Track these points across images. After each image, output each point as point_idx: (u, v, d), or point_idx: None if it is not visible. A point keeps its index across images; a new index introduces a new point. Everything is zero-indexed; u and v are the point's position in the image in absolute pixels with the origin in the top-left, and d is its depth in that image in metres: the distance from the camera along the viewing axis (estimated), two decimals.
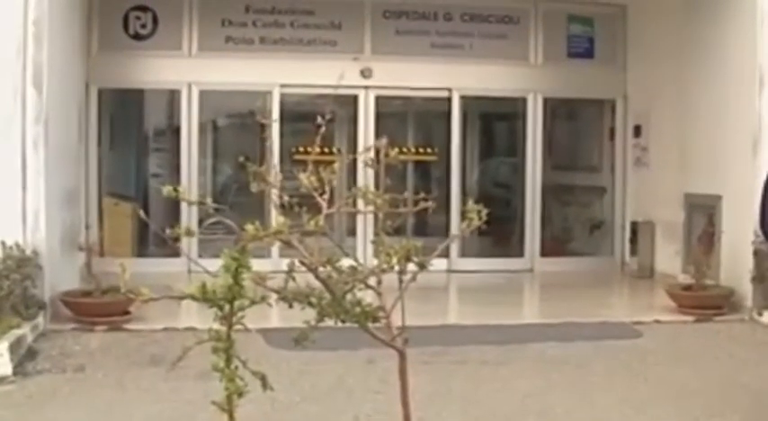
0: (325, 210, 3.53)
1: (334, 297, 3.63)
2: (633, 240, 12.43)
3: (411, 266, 3.69)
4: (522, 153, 13.06)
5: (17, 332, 7.21)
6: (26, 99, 7.86)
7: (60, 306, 8.32)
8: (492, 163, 14.32)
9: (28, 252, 7.80)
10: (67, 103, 9.29)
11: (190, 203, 4.37)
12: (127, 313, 8.24)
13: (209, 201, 4.23)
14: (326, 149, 12.91)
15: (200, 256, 11.91)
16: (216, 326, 3.70)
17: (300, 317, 3.66)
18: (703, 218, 10.66)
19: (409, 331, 3.76)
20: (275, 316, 8.59)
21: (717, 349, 7.93)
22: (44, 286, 7.97)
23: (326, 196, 3.77)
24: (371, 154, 4.03)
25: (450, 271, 12.35)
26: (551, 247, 13.04)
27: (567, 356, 7.55)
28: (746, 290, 9.20)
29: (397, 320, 3.75)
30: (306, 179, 3.59)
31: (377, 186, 11.46)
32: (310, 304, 3.70)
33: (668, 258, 11.75)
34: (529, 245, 12.80)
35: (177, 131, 12.23)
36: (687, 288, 9.49)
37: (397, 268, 3.64)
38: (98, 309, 8.09)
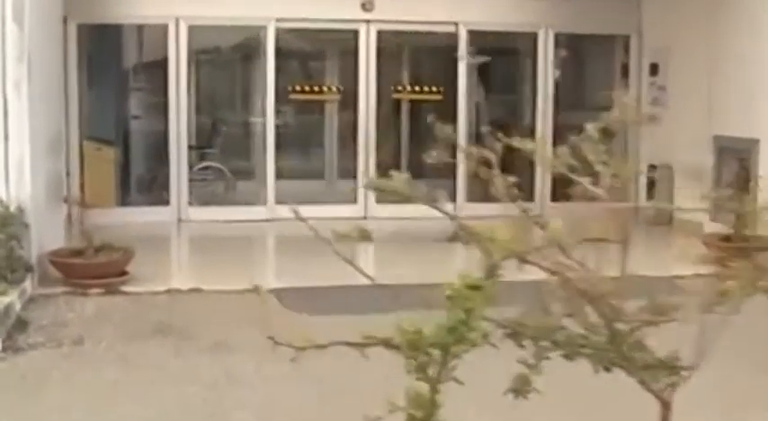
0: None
1: (615, 337, 2.49)
2: (650, 185, 11.74)
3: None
4: (532, 92, 12.29)
5: (4, 299, 6.40)
6: (5, 36, 6.94)
7: (48, 267, 7.50)
8: (500, 102, 13.51)
9: (12, 208, 6.96)
10: (49, 40, 8.37)
11: None
12: (124, 274, 7.44)
13: None
14: (324, 87, 12.12)
15: (189, 204, 11.17)
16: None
17: None
18: (735, 162, 9.97)
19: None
20: (289, 274, 8.00)
21: None
22: (31, 246, 7.14)
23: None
24: None
25: (456, 216, 11.64)
26: (561, 191, 12.32)
27: None
28: None
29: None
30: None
31: (378, 125, 10.65)
32: (555, 344, 2.52)
33: (689, 204, 11.07)
34: (539, 188, 12.09)
35: (163, 70, 11.29)
36: (726, 238, 8.84)
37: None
38: (92, 270, 7.29)
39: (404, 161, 12.68)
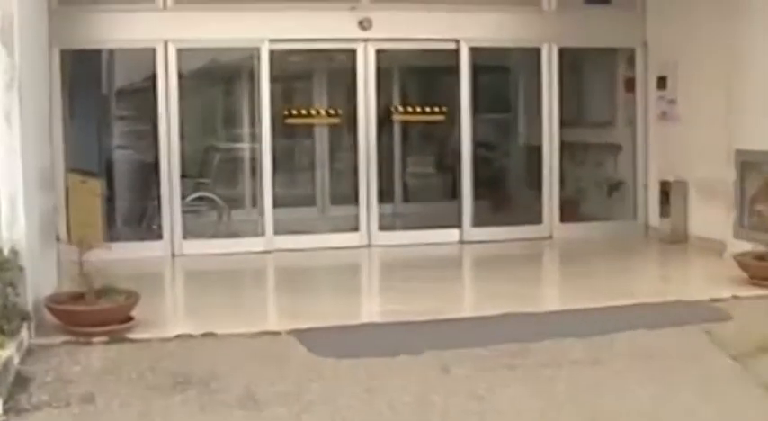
0: None
1: None
2: (663, 202, 11.30)
3: None
4: (535, 109, 11.84)
5: (2, 354, 5.76)
6: None
7: (45, 313, 6.86)
8: (503, 121, 13.03)
9: (6, 251, 6.34)
10: (38, 66, 7.76)
11: None
12: (129, 319, 6.81)
13: None
14: (321, 110, 11.58)
15: (184, 238, 10.55)
16: None
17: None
18: (759, 176, 9.53)
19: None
20: (304, 312, 7.49)
21: None
22: (26, 292, 6.50)
23: None
24: None
25: (462, 242, 11.16)
26: (568, 212, 11.87)
27: (664, 347, 6.38)
28: None
29: None
30: None
31: (379, 148, 10.12)
32: None
33: (705, 221, 10.66)
34: (547, 209, 11.62)
35: (150, 96, 10.68)
36: (761, 257, 8.38)
37: None
38: (95, 316, 6.65)
39: (406, 184, 12.20)
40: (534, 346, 6.30)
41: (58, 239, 8.52)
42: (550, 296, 8.11)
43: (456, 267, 10.49)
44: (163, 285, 9.59)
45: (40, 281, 7.03)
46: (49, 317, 6.88)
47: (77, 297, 6.86)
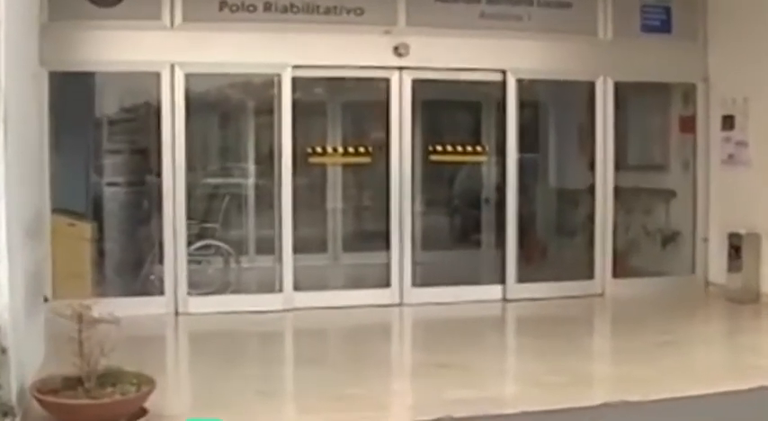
0: None
1: None
2: (732, 256, 9.98)
3: None
4: (584, 149, 10.54)
5: None
6: None
7: (32, 402, 5.35)
8: (545, 161, 11.70)
9: None
10: (27, 91, 6.31)
11: None
12: (142, 413, 5.31)
13: None
14: (351, 148, 10.18)
15: (189, 294, 9.08)
16: None
17: None
18: None
19: None
20: (355, 400, 6.05)
21: None
22: (10, 378, 5.03)
23: None
24: None
25: (506, 300, 9.78)
26: (618, 265, 10.52)
27: None
28: None
29: None
30: None
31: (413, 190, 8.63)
32: None
33: None
34: (599, 263, 10.26)
35: (152, 127, 9.28)
36: None
37: None
38: (99, 413, 5.14)
39: (445, 231, 10.80)
40: None
41: (46, 300, 7.04)
42: (642, 376, 6.70)
43: (509, 334, 9.10)
44: (172, 356, 8.10)
45: (26, 359, 5.55)
46: (36, 406, 5.37)
47: (73, 383, 5.35)
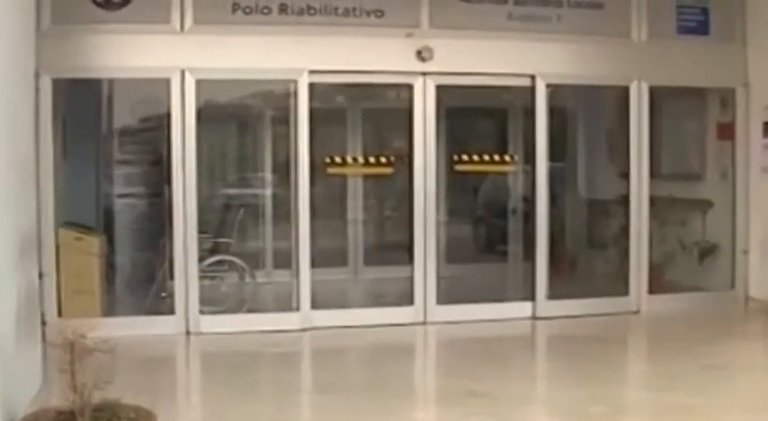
0: None
1: None
2: None
3: None
4: (619, 158, 10.01)
5: None
6: None
7: None
8: (575, 170, 11.17)
9: None
10: (21, 98, 5.84)
11: None
12: None
13: None
14: (372, 158, 9.68)
15: (201, 312, 8.60)
16: None
17: None
18: None
19: None
20: None
21: None
22: None
23: None
24: None
25: (535, 317, 9.24)
26: (654, 280, 9.95)
27: None
28: None
29: None
30: None
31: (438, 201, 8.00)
32: None
33: None
34: (634, 278, 9.70)
35: (162, 136, 8.83)
36: None
37: None
38: None
39: (471, 243, 10.29)
40: None
41: (44, 323, 6.56)
42: (689, 405, 6.13)
43: (540, 357, 8.54)
44: (180, 381, 7.58)
45: (17, 390, 5.06)
46: None
47: (67, 417, 4.86)
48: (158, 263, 9.10)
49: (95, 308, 8.69)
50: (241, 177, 10.27)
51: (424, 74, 9.01)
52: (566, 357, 7.94)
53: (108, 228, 9.82)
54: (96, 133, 10.17)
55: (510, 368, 7.50)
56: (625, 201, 9.86)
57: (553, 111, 9.94)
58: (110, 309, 8.89)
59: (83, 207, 9.70)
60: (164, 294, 8.88)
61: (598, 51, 9.48)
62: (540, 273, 9.35)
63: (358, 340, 8.47)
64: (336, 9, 8.82)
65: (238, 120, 10.28)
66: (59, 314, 8.42)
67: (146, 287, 9.23)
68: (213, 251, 9.27)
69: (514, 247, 10.22)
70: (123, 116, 10.23)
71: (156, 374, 7.09)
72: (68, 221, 9.06)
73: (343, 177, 10.29)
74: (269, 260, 10.35)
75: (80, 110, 9.52)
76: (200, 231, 8.79)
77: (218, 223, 9.60)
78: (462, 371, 7.34)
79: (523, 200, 9.90)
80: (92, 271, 8.92)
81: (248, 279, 9.36)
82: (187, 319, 8.53)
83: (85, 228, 9.20)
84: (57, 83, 8.39)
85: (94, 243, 9.01)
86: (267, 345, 8.20)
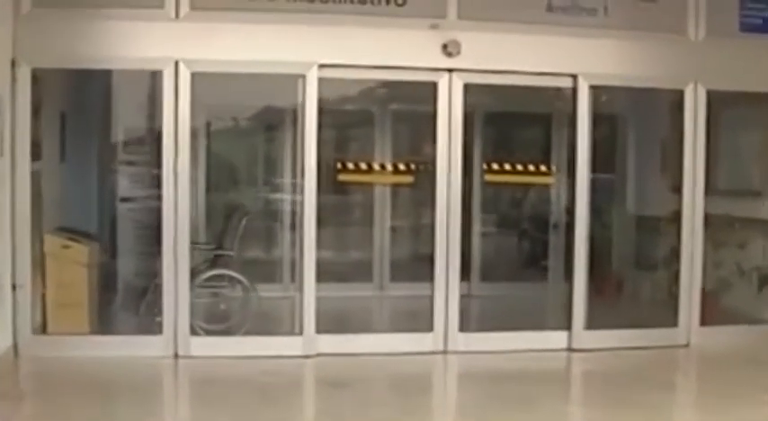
0: None
1: None
2: None
3: None
4: (672, 170, 8.99)
5: None
6: None
7: None
8: (616, 184, 10.17)
9: None
10: None
11: None
12: None
13: None
14: (389, 164, 8.71)
15: (192, 333, 7.71)
16: None
17: None
18: None
19: None
20: None
21: None
22: None
23: None
24: None
25: (571, 349, 8.20)
26: (707, 311, 8.88)
27: None
28: None
29: None
30: None
31: (465, 208, 7.08)
32: None
33: None
34: (684, 307, 8.62)
35: (153, 135, 8.00)
36: None
37: None
38: None
39: (503, 262, 9.33)
40: None
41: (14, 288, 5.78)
42: None
43: (574, 399, 7.45)
44: (158, 414, 6.61)
45: None
46: None
47: None
48: (152, 276, 8.23)
49: (83, 323, 7.95)
50: (245, 184, 9.41)
51: (449, 70, 8.04)
52: (604, 401, 6.87)
53: (103, 236, 9.01)
54: (97, 132, 9.38)
55: (538, 413, 6.45)
56: (677, 218, 8.84)
57: (598, 117, 8.95)
58: (99, 326, 8.04)
59: (80, 211, 8.95)
60: (156, 313, 7.97)
61: (649, 49, 8.43)
62: (577, 298, 8.31)
63: (367, 371, 7.50)
64: None
65: (240, 119, 9.39)
66: (44, 329, 7.75)
67: (137, 302, 8.37)
68: (212, 264, 8.37)
69: (555, 266, 9.21)
70: (121, 113, 9.41)
71: (129, 406, 6.24)
72: (62, 227, 8.33)
73: (369, 187, 9.39)
74: (276, 276, 9.47)
75: (74, 106, 8.77)
76: (197, 242, 7.91)
77: (218, 233, 8.71)
78: (484, 415, 6.34)
79: (567, 213, 8.97)
80: (79, 282, 8.12)
81: (250, 296, 8.41)
82: (176, 341, 7.63)
83: (79, 235, 8.40)
84: (38, 74, 7.57)
85: (84, 251, 8.20)
86: (263, 374, 7.24)
